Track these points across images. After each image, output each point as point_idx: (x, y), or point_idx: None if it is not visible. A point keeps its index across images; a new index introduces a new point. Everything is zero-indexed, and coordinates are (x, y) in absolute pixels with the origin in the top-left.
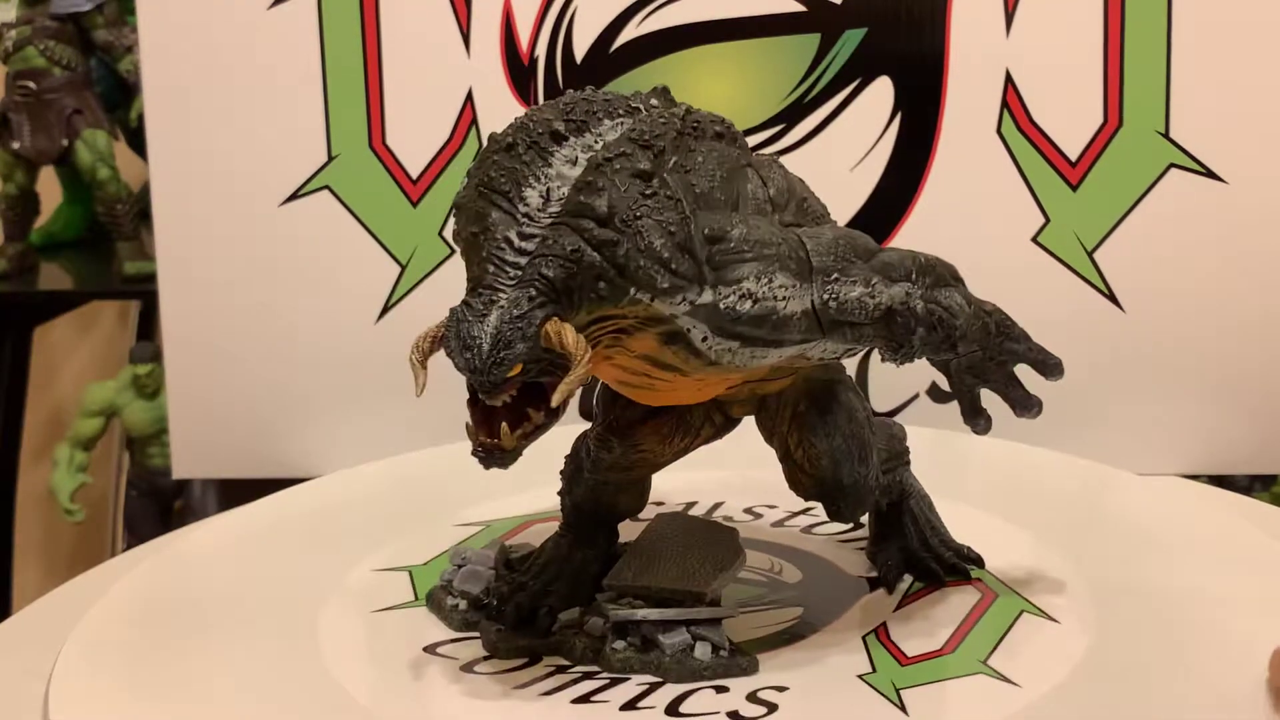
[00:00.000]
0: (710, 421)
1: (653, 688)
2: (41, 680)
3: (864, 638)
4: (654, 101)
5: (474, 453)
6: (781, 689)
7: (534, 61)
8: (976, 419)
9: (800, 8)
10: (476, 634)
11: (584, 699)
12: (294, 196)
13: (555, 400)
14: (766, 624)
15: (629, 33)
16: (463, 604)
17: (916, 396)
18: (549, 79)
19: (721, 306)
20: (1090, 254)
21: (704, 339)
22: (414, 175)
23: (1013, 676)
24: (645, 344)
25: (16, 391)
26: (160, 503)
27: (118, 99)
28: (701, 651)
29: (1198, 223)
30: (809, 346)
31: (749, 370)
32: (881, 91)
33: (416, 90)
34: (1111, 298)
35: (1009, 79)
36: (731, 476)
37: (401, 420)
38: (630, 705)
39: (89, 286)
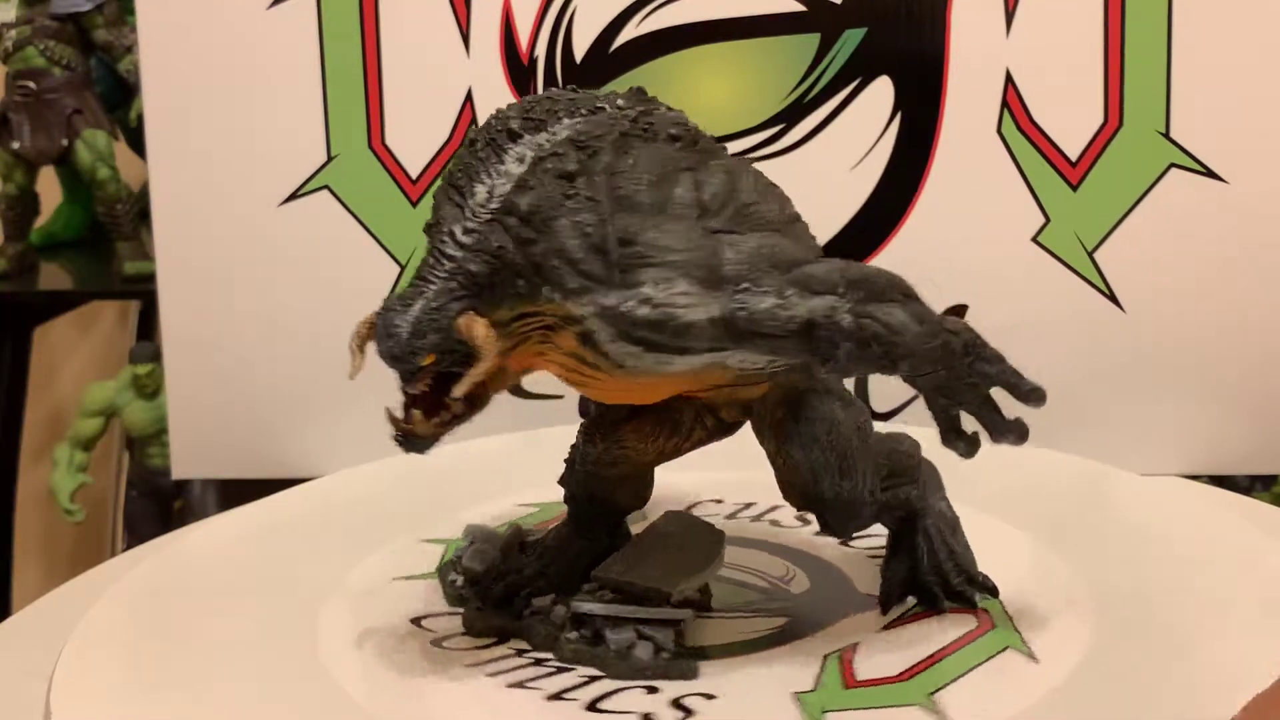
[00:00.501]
0: (701, 424)
1: (592, 680)
2: (41, 680)
3: (827, 655)
4: (620, 101)
5: (393, 437)
6: (710, 697)
7: (534, 61)
8: (955, 441)
9: (800, 8)
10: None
11: (519, 684)
12: (294, 196)
13: (456, 391)
14: (745, 630)
15: (629, 33)
16: (460, 580)
17: (916, 396)
18: (549, 79)
19: (622, 309)
20: (1090, 254)
21: (610, 341)
22: (414, 175)
23: (950, 712)
24: (568, 342)
25: (16, 391)
26: (160, 503)
27: (118, 99)
28: (643, 651)
29: (1198, 223)
30: (724, 356)
31: (671, 376)
32: (881, 91)
33: (416, 90)
34: (1111, 298)
35: (1009, 79)
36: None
37: None
38: (557, 695)
39: (89, 286)
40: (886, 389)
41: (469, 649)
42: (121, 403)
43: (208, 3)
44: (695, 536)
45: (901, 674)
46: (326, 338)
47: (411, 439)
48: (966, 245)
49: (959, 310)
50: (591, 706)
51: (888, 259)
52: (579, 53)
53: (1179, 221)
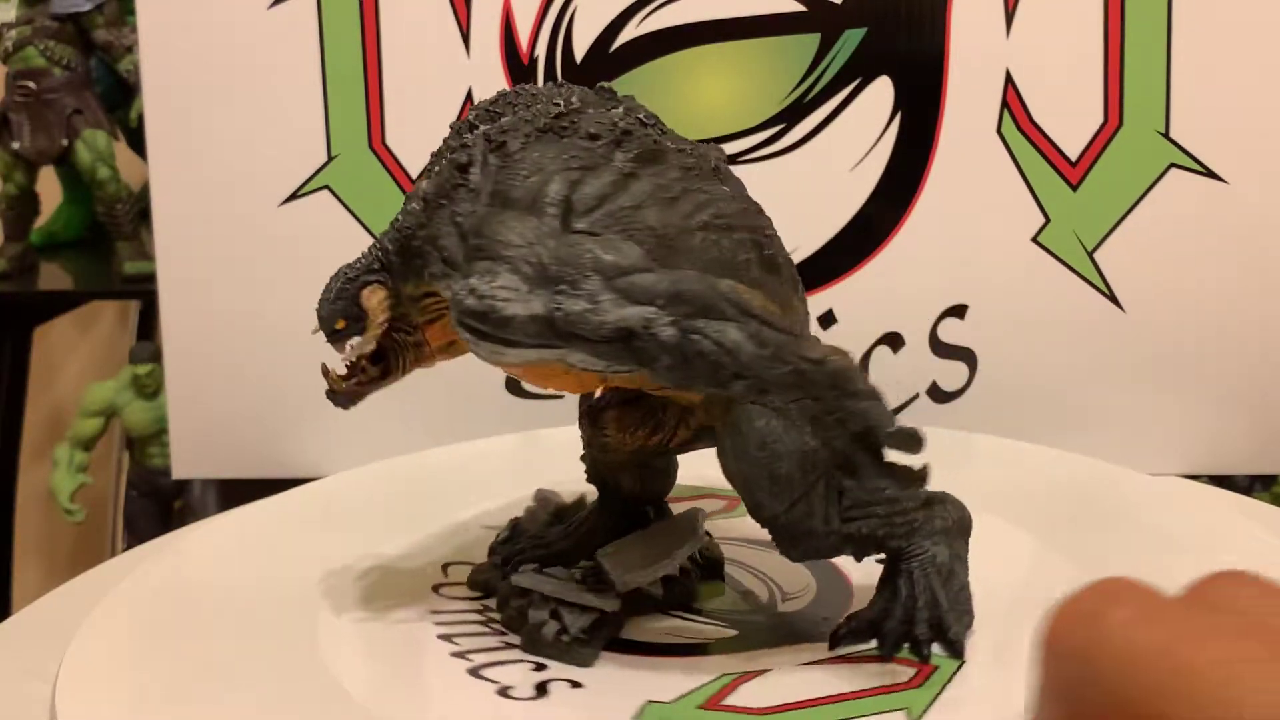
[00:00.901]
0: (685, 424)
1: (509, 648)
2: (41, 680)
3: (725, 675)
4: (575, 99)
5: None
6: (576, 685)
7: (534, 61)
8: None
9: (800, 8)
10: (481, 625)
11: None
12: (294, 196)
13: (349, 353)
14: (689, 634)
15: (629, 33)
16: (503, 533)
17: (916, 397)
18: (549, 79)
19: (456, 297)
20: (1090, 254)
21: (455, 326)
22: (414, 175)
23: None
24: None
25: (16, 391)
26: (160, 503)
27: (118, 99)
28: (548, 630)
29: (1198, 223)
30: (559, 354)
31: (509, 366)
32: (881, 91)
33: (416, 90)
34: (1111, 298)
35: (1009, 79)
36: None
37: (402, 420)
38: (462, 654)
39: (89, 286)
40: (886, 389)
41: (469, 648)
42: (121, 403)
43: (208, 3)
44: (678, 535)
45: (770, 708)
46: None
47: (332, 394)
48: (966, 245)
49: (959, 311)
50: (474, 671)
51: (888, 259)
52: (579, 53)
53: (1179, 221)
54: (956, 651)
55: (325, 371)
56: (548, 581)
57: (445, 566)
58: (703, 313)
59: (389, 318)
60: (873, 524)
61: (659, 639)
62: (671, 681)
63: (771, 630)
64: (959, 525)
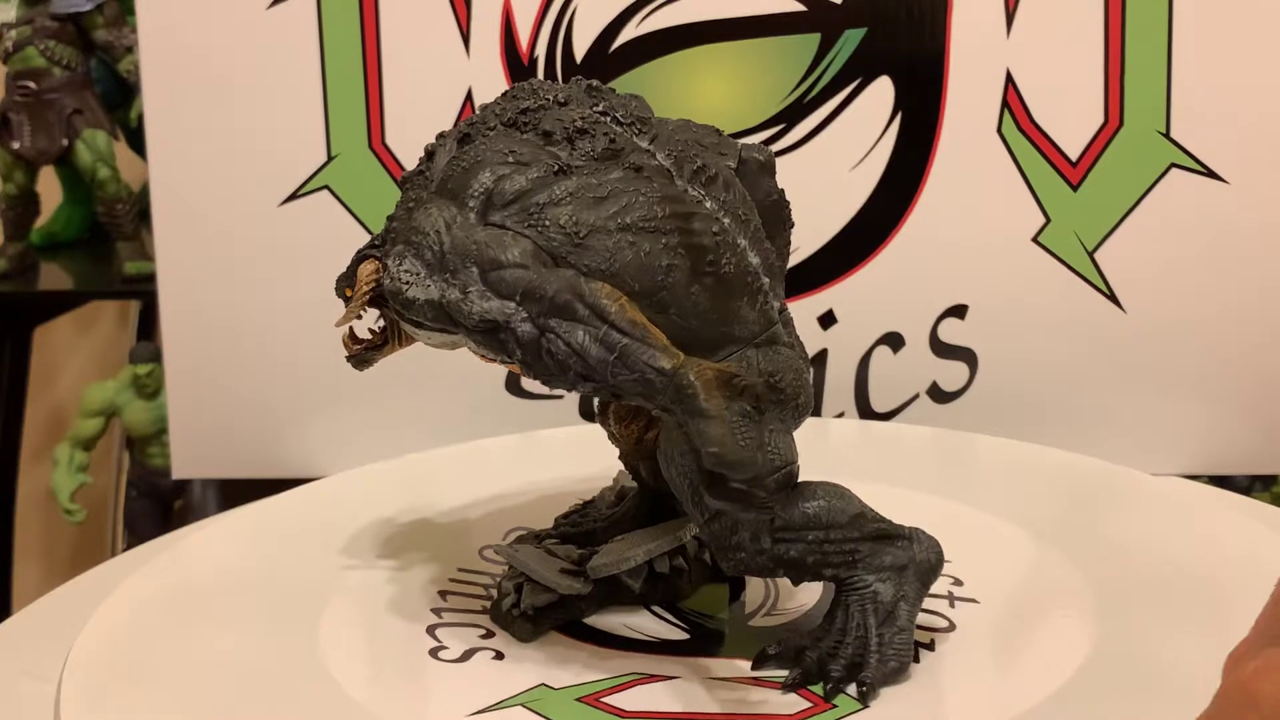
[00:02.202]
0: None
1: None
2: (41, 680)
3: (629, 674)
4: (560, 96)
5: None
6: (499, 657)
7: (534, 61)
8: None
9: (800, 8)
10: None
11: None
12: (294, 196)
13: (340, 320)
14: (646, 632)
15: (629, 33)
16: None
17: (916, 397)
18: (549, 79)
19: (382, 275)
20: (1090, 254)
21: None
22: None
23: None
24: None
25: (16, 391)
26: (160, 503)
27: (118, 99)
28: (505, 602)
29: (1198, 223)
30: (454, 338)
31: (430, 346)
32: (881, 91)
33: (416, 90)
34: (1111, 298)
35: (1009, 79)
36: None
37: (402, 420)
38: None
39: (89, 286)
40: (886, 389)
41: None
42: (121, 403)
43: (208, 3)
44: (660, 535)
45: (638, 713)
46: (327, 338)
47: (349, 357)
48: (966, 245)
49: (959, 311)
50: (430, 629)
51: (888, 259)
52: (579, 53)
53: (1179, 221)
54: (863, 697)
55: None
56: (528, 557)
57: (446, 566)
58: (557, 312)
59: (372, 289)
60: (802, 549)
61: (615, 630)
62: (581, 671)
63: (724, 639)
64: (918, 566)
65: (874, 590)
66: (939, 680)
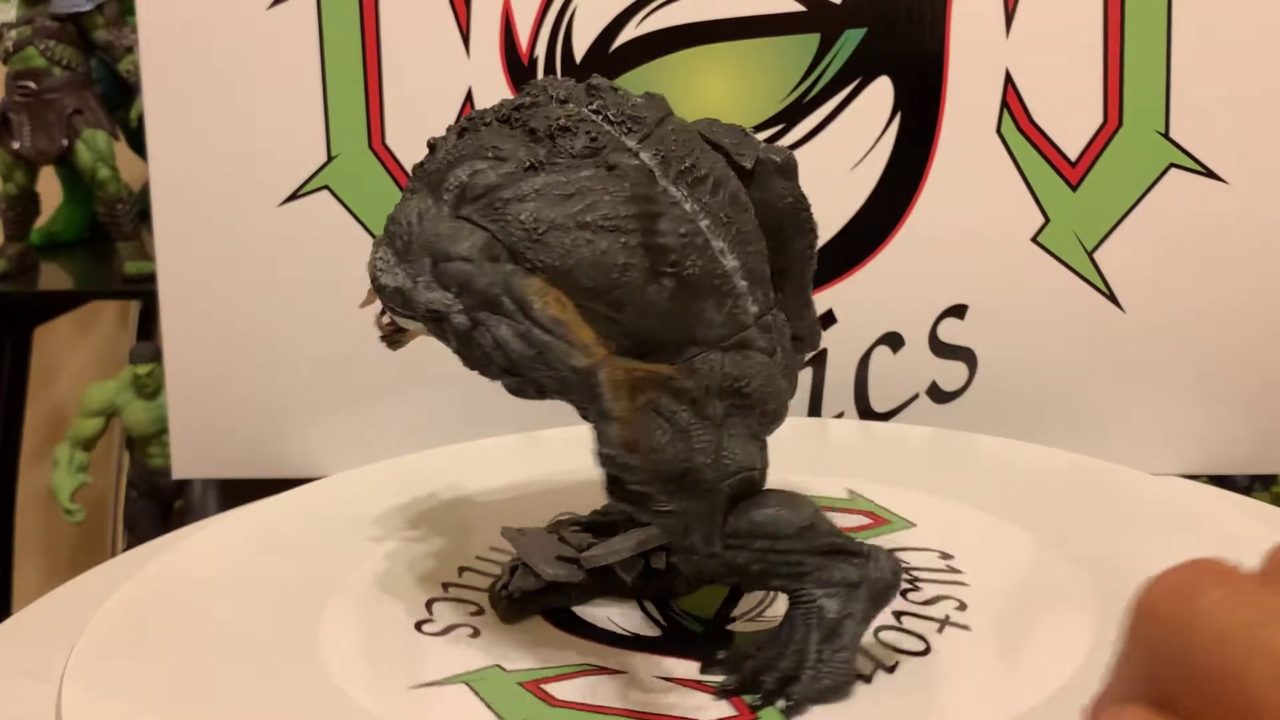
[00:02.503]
0: None
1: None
2: (41, 680)
3: (588, 663)
4: (562, 93)
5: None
6: (474, 634)
7: (534, 61)
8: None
9: (800, 8)
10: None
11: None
12: (294, 196)
13: (359, 303)
14: (625, 625)
15: (629, 33)
16: None
17: (916, 397)
18: (550, 79)
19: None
20: (1090, 254)
21: None
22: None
23: None
24: None
25: (16, 391)
26: (160, 503)
27: (118, 99)
28: (497, 584)
29: (1198, 223)
30: (420, 325)
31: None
32: (881, 91)
33: (416, 90)
34: (1111, 298)
35: (1009, 79)
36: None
37: (402, 420)
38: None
39: (89, 286)
40: (886, 389)
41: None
42: (121, 403)
43: (208, 3)
44: (649, 532)
45: (569, 703)
46: (327, 338)
47: (381, 337)
48: (966, 245)
49: (959, 311)
50: (428, 604)
51: (888, 259)
52: (579, 53)
53: (1179, 222)
54: (788, 712)
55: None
56: (530, 541)
57: (446, 566)
58: (485, 306)
59: None
60: (748, 557)
61: (598, 621)
62: (541, 656)
63: (697, 641)
64: (871, 586)
65: (820, 605)
66: (937, 680)
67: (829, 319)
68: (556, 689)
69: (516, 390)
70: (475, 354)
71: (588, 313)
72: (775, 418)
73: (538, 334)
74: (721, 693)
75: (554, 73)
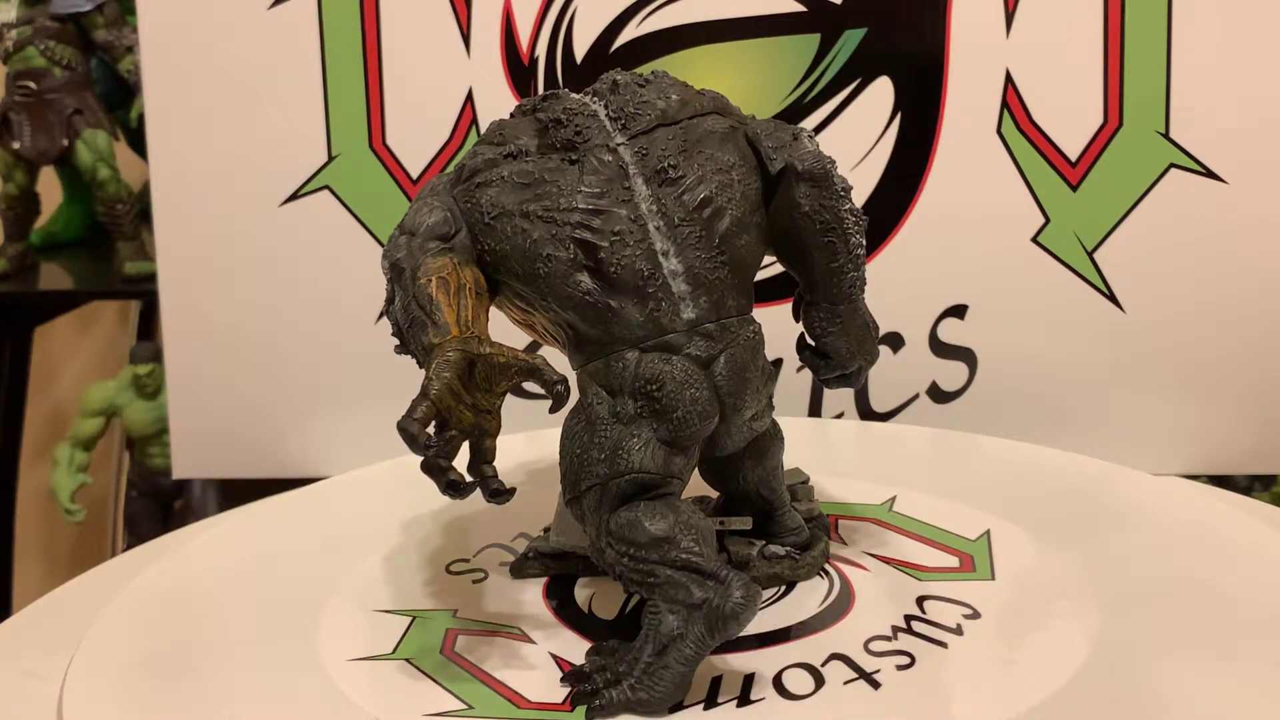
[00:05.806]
0: None
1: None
2: (42, 680)
3: (552, 657)
4: (595, 88)
5: None
6: (479, 579)
7: (534, 61)
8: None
9: (800, 8)
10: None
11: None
12: (294, 196)
13: None
14: (608, 601)
15: (629, 33)
16: None
17: (916, 397)
18: (549, 79)
19: None
20: (1090, 254)
21: None
22: (414, 175)
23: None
24: None
25: (16, 391)
26: (160, 503)
27: (118, 99)
28: (528, 548)
29: (1198, 223)
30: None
31: None
32: (881, 91)
33: (416, 90)
34: (1111, 298)
35: (1009, 79)
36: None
37: None
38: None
39: (89, 286)
40: (886, 389)
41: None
42: (121, 403)
43: (208, 3)
44: None
45: (458, 659)
46: (327, 338)
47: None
48: (966, 245)
49: (959, 311)
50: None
51: (888, 259)
52: (579, 53)
53: (1179, 221)
54: (590, 714)
55: None
56: (562, 513)
57: (447, 566)
58: (395, 277)
59: None
60: (613, 557)
61: (581, 601)
62: (499, 615)
63: (609, 626)
64: (711, 612)
65: (660, 619)
66: (939, 679)
67: None
68: (463, 646)
69: (414, 358)
70: (391, 317)
71: (529, 299)
72: (684, 425)
73: (415, 309)
74: (563, 679)
75: (554, 73)
